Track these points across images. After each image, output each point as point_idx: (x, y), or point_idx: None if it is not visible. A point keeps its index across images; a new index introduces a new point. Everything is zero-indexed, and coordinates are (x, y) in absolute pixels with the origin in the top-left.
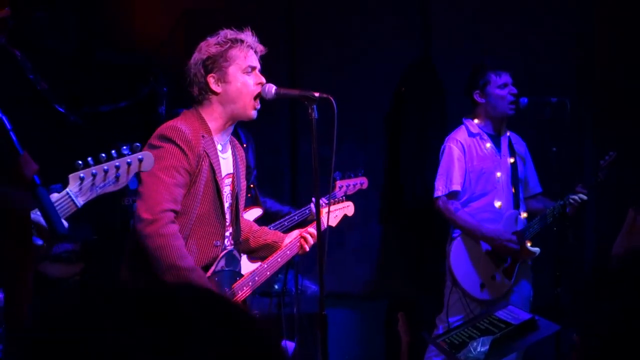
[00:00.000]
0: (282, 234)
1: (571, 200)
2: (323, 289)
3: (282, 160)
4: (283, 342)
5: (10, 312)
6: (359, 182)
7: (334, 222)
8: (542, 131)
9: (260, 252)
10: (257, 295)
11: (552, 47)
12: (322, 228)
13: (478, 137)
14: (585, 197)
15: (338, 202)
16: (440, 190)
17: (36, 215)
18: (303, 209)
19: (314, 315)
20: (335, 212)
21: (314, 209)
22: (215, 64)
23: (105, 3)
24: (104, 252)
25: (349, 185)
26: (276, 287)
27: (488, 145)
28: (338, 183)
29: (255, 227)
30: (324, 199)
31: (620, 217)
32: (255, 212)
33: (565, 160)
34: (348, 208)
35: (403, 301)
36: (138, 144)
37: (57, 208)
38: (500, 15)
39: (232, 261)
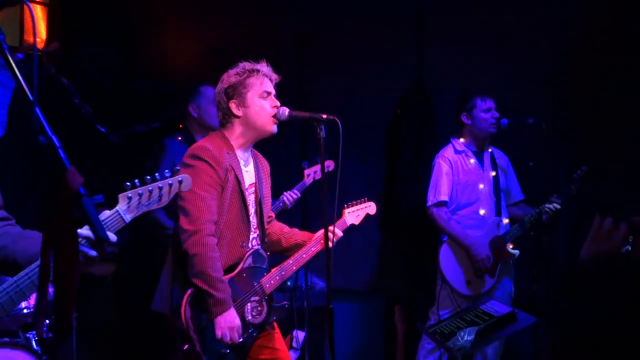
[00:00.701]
0: (310, 234)
1: (547, 209)
2: (330, 285)
3: (293, 174)
4: (294, 332)
5: (58, 306)
6: (325, 167)
7: (357, 221)
8: (521, 148)
9: (292, 251)
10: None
11: (532, 73)
12: (346, 226)
13: (463, 154)
14: (559, 207)
15: (360, 203)
16: (430, 200)
17: (86, 230)
18: (277, 202)
19: (321, 309)
20: (358, 212)
21: (286, 201)
22: (236, 92)
23: (140, 38)
24: (137, 255)
25: (316, 172)
26: (289, 283)
27: (472, 161)
28: (306, 172)
29: (287, 229)
30: (295, 190)
31: (588, 225)
32: None
33: (541, 174)
34: (370, 207)
35: (399, 296)
36: (178, 167)
37: (108, 224)
38: (486, 46)
39: (259, 259)
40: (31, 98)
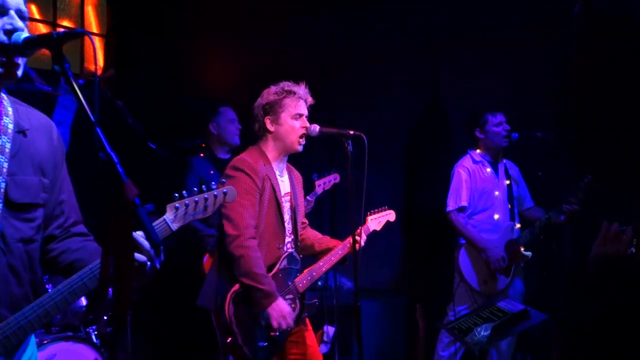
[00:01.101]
0: (339, 242)
1: (564, 209)
2: (358, 285)
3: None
4: (325, 327)
5: (116, 304)
6: (333, 178)
7: (378, 227)
8: (530, 159)
9: (323, 254)
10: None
11: (537, 91)
12: (369, 232)
13: (480, 164)
14: (577, 207)
15: (382, 211)
16: (451, 205)
17: (140, 237)
18: None
19: (349, 306)
20: (379, 219)
21: None
22: (272, 109)
23: (184, 63)
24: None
25: (325, 182)
26: (320, 283)
27: (488, 170)
28: (317, 182)
29: (319, 235)
30: (308, 198)
31: (593, 228)
32: None
33: (549, 182)
34: (390, 215)
35: (420, 295)
36: (224, 180)
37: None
38: (493, 67)
39: (293, 261)
40: (92, 119)
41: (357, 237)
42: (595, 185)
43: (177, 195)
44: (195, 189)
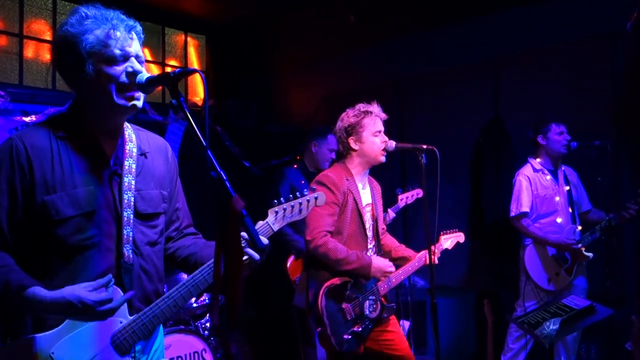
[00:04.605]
0: (413, 251)
1: (624, 214)
2: (434, 286)
3: (394, 195)
4: (401, 322)
5: (228, 300)
6: (415, 193)
7: (450, 246)
8: (590, 165)
9: (398, 261)
10: None
11: (594, 102)
12: (442, 249)
13: (540, 172)
14: (635, 213)
15: (453, 232)
16: (513, 211)
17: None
18: None
19: (422, 302)
20: (451, 239)
21: (386, 217)
22: (354, 130)
23: (272, 93)
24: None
25: (408, 197)
26: None
27: (548, 177)
28: (399, 197)
29: (396, 243)
30: (390, 210)
31: None
32: None
33: (607, 186)
34: (460, 237)
35: (487, 291)
36: (314, 187)
37: (260, 232)
38: (550, 82)
39: None
40: (204, 144)
41: (432, 254)
42: None
43: (276, 201)
44: (291, 195)
